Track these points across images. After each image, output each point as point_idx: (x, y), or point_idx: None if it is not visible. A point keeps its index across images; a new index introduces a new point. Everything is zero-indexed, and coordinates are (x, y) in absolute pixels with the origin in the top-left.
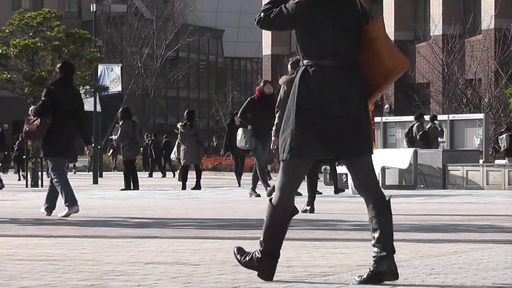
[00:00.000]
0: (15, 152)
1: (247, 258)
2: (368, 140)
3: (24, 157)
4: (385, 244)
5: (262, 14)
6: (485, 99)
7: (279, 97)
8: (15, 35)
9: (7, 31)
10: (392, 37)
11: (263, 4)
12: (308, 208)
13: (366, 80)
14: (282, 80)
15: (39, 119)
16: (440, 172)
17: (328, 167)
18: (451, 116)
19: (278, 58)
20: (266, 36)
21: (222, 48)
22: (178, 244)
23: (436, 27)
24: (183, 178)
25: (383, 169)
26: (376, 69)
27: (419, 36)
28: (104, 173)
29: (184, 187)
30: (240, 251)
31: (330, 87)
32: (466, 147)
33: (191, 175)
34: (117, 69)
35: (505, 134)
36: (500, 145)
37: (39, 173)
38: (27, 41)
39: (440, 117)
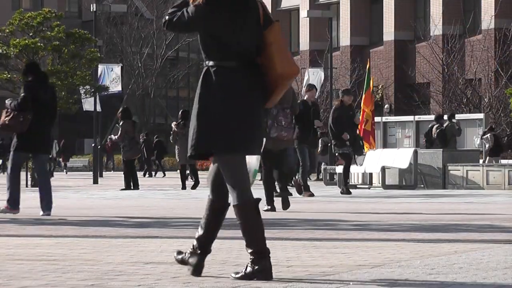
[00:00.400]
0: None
1: (246, 271)
2: (261, 140)
3: None
4: (203, 243)
5: (167, 17)
6: (485, 99)
7: None
8: (15, 35)
9: (7, 31)
10: (392, 37)
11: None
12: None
13: (266, 83)
14: None
15: (20, 114)
16: (440, 172)
17: (327, 167)
18: None
19: None
20: None
21: None
22: (178, 244)
23: (436, 27)
24: (182, 178)
25: (383, 169)
26: (269, 73)
27: (419, 36)
28: (104, 173)
29: (183, 187)
30: (237, 273)
31: (231, 87)
32: (466, 147)
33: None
34: (117, 69)
35: (489, 134)
36: (486, 144)
37: None
38: (27, 41)
39: None
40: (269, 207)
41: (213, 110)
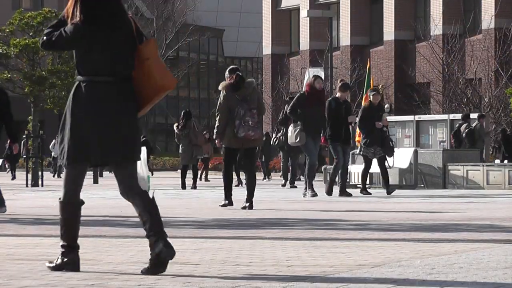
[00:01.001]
0: (7, 151)
1: (56, 262)
2: (135, 150)
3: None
4: (156, 231)
5: (44, 37)
6: (485, 99)
7: (219, 102)
8: (16, 34)
9: (8, 30)
10: (392, 37)
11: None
12: (247, 204)
13: (138, 95)
14: (221, 85)
15: None
16: (440, 171)
17: (327, 166)
18: (451, 116)
19: (278, 57)
20: (266, 35)
21: (222, 48)
22: (178, 244)
23: (436, 26)
24: (181, 177)
25: None
26: (147, 85)
27: (419, 36)
28: (104, 172)
29: (183, 187)
30: (51, 262)
31: (101, 101)
32: (466, 146)
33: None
34: None
35: None
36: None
37: (39, 173)
38: (27, 41)
39: (439, 116)
40: (227, 201)
41: (83, 123)
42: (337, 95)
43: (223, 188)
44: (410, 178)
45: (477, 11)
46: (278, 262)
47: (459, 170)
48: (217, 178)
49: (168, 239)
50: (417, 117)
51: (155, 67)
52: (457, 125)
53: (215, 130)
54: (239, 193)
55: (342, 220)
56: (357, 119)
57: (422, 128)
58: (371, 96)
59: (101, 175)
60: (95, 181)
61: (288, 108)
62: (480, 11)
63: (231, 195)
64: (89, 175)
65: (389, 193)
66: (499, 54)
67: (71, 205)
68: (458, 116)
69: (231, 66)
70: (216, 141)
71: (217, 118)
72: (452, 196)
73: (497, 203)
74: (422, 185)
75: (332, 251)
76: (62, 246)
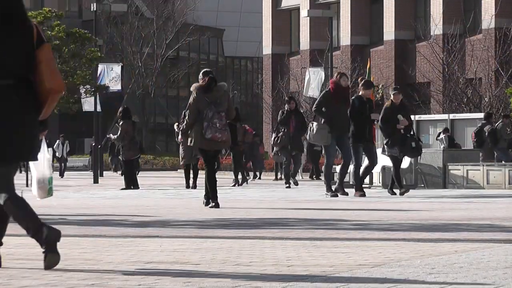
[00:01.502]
0: None
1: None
2: (37, 149)
3: None
4: None
5: None
6: (486, 99)
7: (189, 102)
8: None
9: None
10: (392, 37)
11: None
12: (213, 204)
13: (39, 98)
14: (193, 87)
15: None
16: (440, 171)
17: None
18: (452, 116)
19: (278, 57)
20: (267, 35)
21: (222, 48)
22: (179, 244)
23: (436, 26)
24: (185, 177)
25: (383, 169)
26: (40, 89)
27: (419, 36)
28: (104, 172)
29: (188, 186)
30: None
31: (3, 103)
32: (466, 146)
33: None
34: (117, 68)
35: (444, 135)
36: (440, 145)
37: None
38: None
39: (440, 116)
40: (214, 203)
41: None
42: (360, 93)
43: (204, 189)
44: (410, 178)
45: (477, 11)
46: (278, 262)
47: (459, 170)
48: (219, 178)
49: None
50: (417, 117)
51: (45, 71)
52: (479, 125)
53: (181, 127)
54: (239, 193)
55: (342, 220)
56: (379, 119)
57: (422, 128)
58: (392, 96)
59: (101, 175)
60: (95, 181)
61: (314, 106)
62: (480, 11)
63: (217, 197)
64: (89, 175)
65: (389, 192)
66: (499, 54)
67: (9, 202)
68: (459, 116)
69: (205, 69)
70: (178, 138)
71: (186, 118)
72: (452, 196)
73: (497, 203)
74: (422, 185)
75: (332, 250)
76: (32, 236)
